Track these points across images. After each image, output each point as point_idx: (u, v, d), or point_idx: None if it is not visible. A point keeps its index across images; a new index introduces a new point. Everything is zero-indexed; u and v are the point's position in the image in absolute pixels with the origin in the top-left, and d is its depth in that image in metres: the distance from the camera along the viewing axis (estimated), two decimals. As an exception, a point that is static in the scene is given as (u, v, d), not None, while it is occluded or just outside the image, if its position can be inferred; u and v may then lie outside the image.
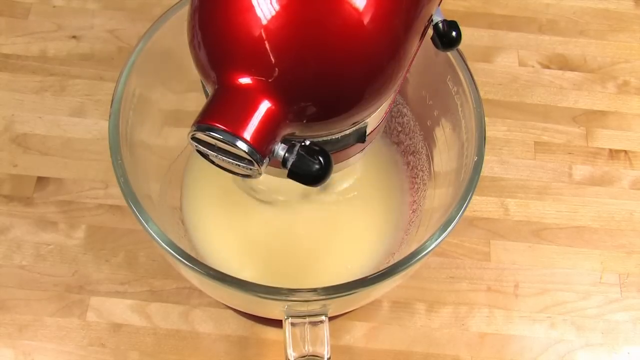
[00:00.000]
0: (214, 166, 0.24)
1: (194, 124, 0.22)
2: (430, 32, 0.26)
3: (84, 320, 0.41)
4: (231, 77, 0.22)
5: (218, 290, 0.32)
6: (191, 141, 0.23)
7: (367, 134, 0.27)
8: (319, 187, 0.34)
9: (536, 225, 0.45)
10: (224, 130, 0.21)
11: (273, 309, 0.33)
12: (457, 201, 0.31)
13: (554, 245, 0.45)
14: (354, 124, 0.25)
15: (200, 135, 0.22)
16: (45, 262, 0.42)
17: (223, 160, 0.23)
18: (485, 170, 0.47)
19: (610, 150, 0.49)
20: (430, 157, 0.39)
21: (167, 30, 0.33)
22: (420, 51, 0.26)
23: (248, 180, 0.38)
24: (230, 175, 0.25)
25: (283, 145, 0.23)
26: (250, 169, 0.23)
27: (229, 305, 0.41)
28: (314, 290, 0.28)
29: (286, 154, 0.23)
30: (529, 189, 0.47)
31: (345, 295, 0.29)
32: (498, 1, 0.54)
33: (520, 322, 0.42)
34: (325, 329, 0.31)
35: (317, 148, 0.23)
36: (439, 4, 0.26)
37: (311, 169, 0.23)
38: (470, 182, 0.31)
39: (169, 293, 0.42)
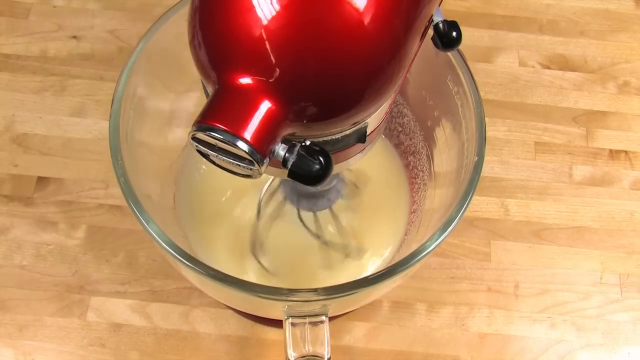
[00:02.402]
0: (208, 168, 0.24)
1: (194, 124, 0.22)
2: (430, 32, 0.26)
3: (84, 320, 0.41)
4: (231, 77, 0.22)
5: (218, 290, 0.32)
6: (191, 141, 0.23)
7: (367, 134, 0.27)
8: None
9: (536, 225, 0.45)
10: (224, 131, 0.21)
11: (273, 309, 0.33)
12: (458, 201, 0.31)
13: (554, 245, 0.45)
14: (355, 124, 0.25)
15: (200, 135, 0.22)
16: (46, 262, 0.42)
17: (223, 160, 0.23)
18: (486, 171, 0.47)
19: (611, 150, 0.49)
20: (430, 158, 0.39)
21: (167, 30, 0.33)
22: (421, 51, 0.26)
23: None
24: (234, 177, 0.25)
25: (283, 145, 0.23)
26: (251, 169, 0.23)
27: (229, 305, 0.41)
28: (314, 290, 0.28)
29: (286, 154, 0.23)
30: (529, 189, 0.47)
31: (345, 295, 0.29)
32: (498, 1, 0.54)
33: (521, 323, 0.42)
34: (325, 329, 0.31)
35: (317, 148, 0.23)
36: (439, 5, 0.26)
37: (311, 169, 0.23)
38: (471, 182, 0.31)
39: (169, 293, 0.42)
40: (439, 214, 0.33)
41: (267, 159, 0.22)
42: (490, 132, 0.48)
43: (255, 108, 0.22)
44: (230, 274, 0.28)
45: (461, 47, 0.29)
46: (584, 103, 0.50)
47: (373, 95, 0.23)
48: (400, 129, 0.42)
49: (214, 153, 0.23)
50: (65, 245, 0.43)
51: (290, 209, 0.39)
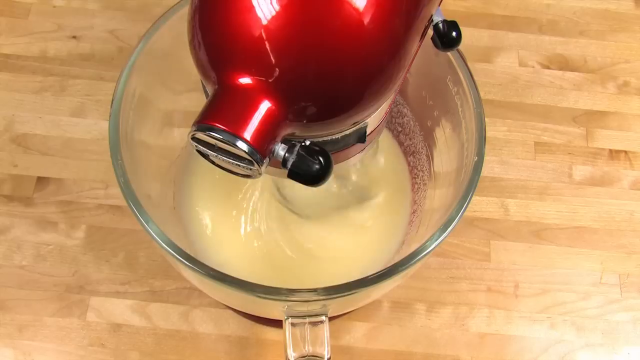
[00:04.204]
0: (208, 166, 0.24)
1: (194, 124, 0.22)
2: (430, 32, 0.26)
3: (84, 320, 0.41)
4: (231, 77, 0.22)
5: (218, 290, 0.32)
6: (191, 141, 0.23)
7: (367, 134, 0.27)
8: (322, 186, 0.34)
9: (536, 225, 0.45)
10: (224, 130, 0.21)
11: (273, 309, 0.33)
12: (457, 201, 0.31)
13: (554, 245, 0.45)
14: (354, 124, 0.25)
15: (200, 135, 0.22)
16: (45, 262, 0.42)
17: (223, 160, 0.23)
18: (486, 171, 0.47)
19: (611, 150, 0.49)
20: (430, 158, 0.39)
21: (167, 30, 0.33)
22: (420, 51, 0.26)
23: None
24: (233, 177, 0.25)
25: (283, 145, 0.23)
26: (250, 169, 0.23)
27: (229, 305, 0.41)
28: (314, 290, 0.28)
29: (286, 154, 0.23)
30: (529, 189, 0.47)
31: (345, 295, 0.29)
32: (498, 1, 0.54)
33: (520, 323, 0.42)
34: (325, 329, 0.31)
35: (317, 148, 0.23)
36: (439, 4, 0.26)
37: (311, 169, 0.23)
38: (471, 182, 0.31)
39: (169, 293, 0.42)
40: (439, 214, 0.33)
41: (267, 159, 0.22)
42: (490, 132, 0.48)
43: (255, 108, 0.22)
44: (232, 274, 0.28)
45: (461, 47, 0.29)
46: (583, 103, 0.50)
47: (373, 95, 0.23)
48: (400, 129, 0.42)
49: (213, 153, 0.23)
50: (65, 246, 0.43)
51: None
